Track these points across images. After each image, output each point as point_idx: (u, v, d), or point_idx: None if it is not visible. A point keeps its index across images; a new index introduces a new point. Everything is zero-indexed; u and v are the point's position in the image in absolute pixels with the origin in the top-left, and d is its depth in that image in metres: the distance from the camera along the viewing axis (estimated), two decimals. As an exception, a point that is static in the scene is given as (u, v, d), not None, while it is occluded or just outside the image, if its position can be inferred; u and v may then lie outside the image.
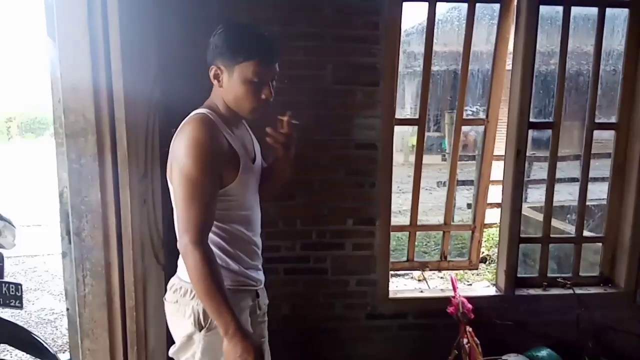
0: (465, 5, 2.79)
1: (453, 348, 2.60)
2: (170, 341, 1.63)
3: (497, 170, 3.03)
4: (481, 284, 4.33)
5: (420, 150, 2.97)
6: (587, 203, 2.98)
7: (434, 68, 2.94)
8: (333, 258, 2.69)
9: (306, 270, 2.68)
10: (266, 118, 1.58)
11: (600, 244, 2.99)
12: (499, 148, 3.00)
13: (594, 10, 2.75)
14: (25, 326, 2.69)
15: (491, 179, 3.21)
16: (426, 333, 2.76)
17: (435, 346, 2.63)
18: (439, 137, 8.53)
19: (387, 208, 2.68)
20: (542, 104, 2.98)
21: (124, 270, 1.81)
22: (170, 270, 1.71)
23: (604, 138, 3.05)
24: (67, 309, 1.91)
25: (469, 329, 2.59)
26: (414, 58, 3.79)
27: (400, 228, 3.19)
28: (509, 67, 2.85)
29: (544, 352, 2.63)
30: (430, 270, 3.37)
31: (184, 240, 1.43)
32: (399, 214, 4.13)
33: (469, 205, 4.33)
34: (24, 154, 16.47)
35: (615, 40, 2.86)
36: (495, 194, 3.44)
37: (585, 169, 2.89)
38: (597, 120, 2.85)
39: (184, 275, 1.51)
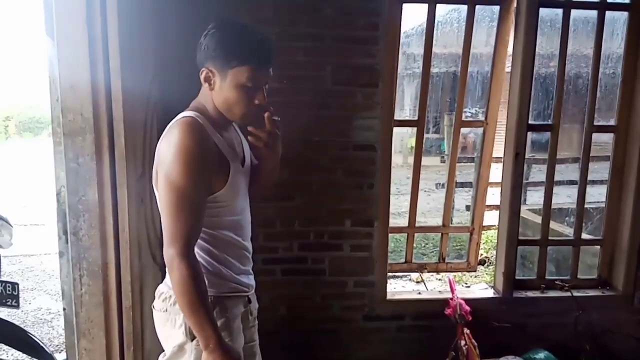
0: (464, 7, 2.79)
1: (450, 350, 2.60)
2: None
3: (497, 172, 3.03)
4: (479, 286, 4.32)
5: (419, 151, 2.97)
6: (586, 206, 2.98)
7: (434, 70, 2.94)
8: (331, 259, 2.69)
9: (304, 271, 2.68)
10: (258, 122, 1.53)
11: (599, 247, 2.99)
12: (498, 150, 3.00)
13: (593, 13, 2.76)
14: (22, 326, 2.68)
15: (490, 181, 3.21)
16: (424, 335, 2.76)
17: (433, 348, 2.63)
18: (438, 139, 8.54)
19: (385, 209, 2.68)
20: (541, 107, 2.98)
21: (121, 269, 1.81)
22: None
23: (603, 141, 3.06)
24: (64, 309, 1.90)
25: (466, 330, 2.58)
26: (414, 59, 3.78)
27: (399, 229, 3.19)
28: (508, 69, 2.85)
29: (541, 355, 2.63)
30: (429, 272, 3.37)
31: (169, 252, 1.39)
32: (398, 216, 4.12)
33: (467, 208, 4.33)
34: (22, 153, 16.44)
35: (615, 43, 2.86)
36: (494, 196, 3.44)
37: (584, 171, 2.89)
38: (596, 123, 2.85)
39: None
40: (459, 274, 4.73)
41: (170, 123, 1.48)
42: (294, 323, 2.69)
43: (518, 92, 2.66)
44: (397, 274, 4.50)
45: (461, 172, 5.68)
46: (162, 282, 1.60)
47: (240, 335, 1.59)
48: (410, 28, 4.56)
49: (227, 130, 1.58)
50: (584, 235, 3.08)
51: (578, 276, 2.95)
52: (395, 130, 2.67)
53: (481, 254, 4.89)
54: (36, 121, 24.52)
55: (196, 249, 1.44)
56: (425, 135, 2.96)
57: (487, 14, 2.98)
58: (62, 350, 3.29)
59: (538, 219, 3.12)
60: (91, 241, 1.75)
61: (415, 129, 2.89)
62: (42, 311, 4.24)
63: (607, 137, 2.93)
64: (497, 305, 2.81)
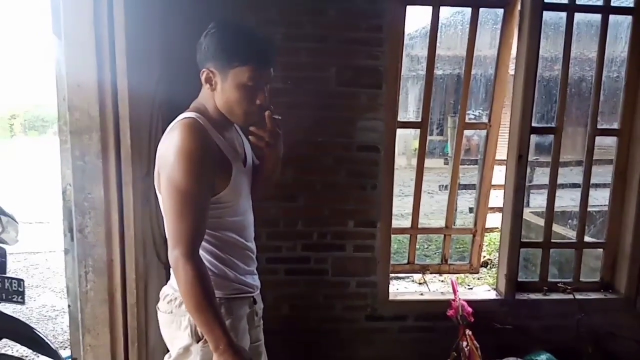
0: (469, 10, 2.81)
1: (452, 350, 2.61)
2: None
3: (500, 174, 3.04)
4: (482, 288, 4.34)
5: (422, 153, 2.98)
6: (589, 209, 2.97)
7: (437, 72, 2.95)
8: (334, 259, 2.70)
9: (307, 271, 2.69)
10: (259, 122, 1.53)
11: (601, 250, 2.99)
12: (502, 153, 3.00)
13: (597, 17, 2.76)
14: (27, 322, 2.70)
15: (493, 184, 3.22)
16: (426, 335, 2.77)
17: (434, 349, 2.63)
18: (441, 141, 8.53)
19: (388, 210, 2.69)
20: (544, 109, 2.99)
21: (126, 267, 1.83)
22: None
23: (606, 144, 3.06)
24: (69, 306, 1.92)
25: (468, 332, 2.59)
26: (418, 62, 3.80)
27: (401, 230, 3.20)
28: (511, 71, 2.86)
29: (543, 357, 2.63)
30: (431, 273, 3.37)
31: (174, 253, 1.38)
32: (401, 217, 4.13)
33: (471, 210, 4.34)
34: (27, 152, 16.52)
35: (619, 46, 2.87)
36: (497, 198, 3.44)
37: (587, 174, 2.89)
38: (599, 126, 2.86)
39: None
40: (462, 276, 4.73)
41: (171, 124, 1.47)
42: (297, 322, 2.70)
43: (521, 94, 2.66)
44: (399, 275, 4.50)
45: (465, 175, 5.70)
46: (166, 280, 1.60)
47: (246, 336, 1.60)
48: (415, 30, 4.59)
49: (228, 131, 1.57)
50: (587, 238, 3.08)
51: (580, 279, 2.96)
52: (399, 132, 2.68)
53: (484, 256, 4.89)
54: (41, 120, 24.65)
55: (201, 251, 1.44)
56: (429, 137, 2.97)
57: (491, 17, 2.99)
58: (66, 347, 3.31)
59: (541, 222, 3.12)
60: (97, 238, 1.77)
61: (418, 130, 2.90)
62: (47, 308, 4.27)
63: (611, 141, 2.94)
64: (499, 307, 2.81)
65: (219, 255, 1.53)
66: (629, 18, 2.75)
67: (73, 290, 1.87)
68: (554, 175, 2.87)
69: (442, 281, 4.60)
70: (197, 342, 1.47)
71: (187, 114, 1.48)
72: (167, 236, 1.44)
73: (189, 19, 2.29)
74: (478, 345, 2.57)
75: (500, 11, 2.84)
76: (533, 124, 2.72)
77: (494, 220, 4.59)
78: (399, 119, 2.68)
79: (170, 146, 1.40)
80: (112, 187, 1.77)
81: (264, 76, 1.46)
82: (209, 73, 1.46)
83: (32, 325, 2.55)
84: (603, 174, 3.21)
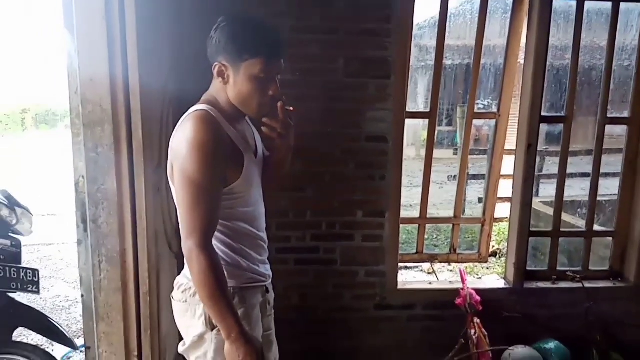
0: (478, -1, 2.79)
1: (460, 338, 2.63)
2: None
3: (509, 164, 3.03)
4: (491, 277, 4.34)
5: (430, 143, 2.98)
6: (598, 198, 2.97)
7: (447, 62, 2.96)
8: (342, 249, 2.72)
9: (316, 260, 2.72)
10: (272, 113, 1.54)
11: (611, 239, 2.99)
12: (511, 142, 3.00)
13: (608, 5, 2.74)
14: (42, 312, 2.75)
15: (503, 174, 3.22)
16: (434, 324, 2.79)
17: (443, 337, 2.66)
18: (451, 132, 8.49)
19: (397, 200, 2.70)
20: (554, 98, 2.98)
21: (139, 257, 1.86)
22: (182, 258, 1.75)
23: (616, 133, 3.05)
24: (82, 296, 1.96)
25: (476, 320, 2.61)
26: (427, 52, 3.79)
27: (410, 220, 3.21)
28: (521, 61, 2.84)
29: (551, 345, 2.65)
30: (440, 262, 3.39)
31: (188, 244, 1.41)
32: (410, 208, 4.13)
33: (480, 200, 4.33)
34: (39, 145, 16.65)
35: (630, 35, 2.85)
36: (507, 188, 3.44)
37: (597, 163, 2.88)
38: (609, 115, 2.84)
39: None
40: (471, 265, 4.75)
41: (183, 117, 1.49)
42: (306, 312, 2.73)
43: (531, 83, 2.65)
44: (408, 264, 4.51)
45: (474, 165, 5.68)
46: (178, 270, 1.64)
47: (259, 324, 1.62)
48: (423, 20, 4.57)
49: (240, 123, 1.58)
50: (596, 227, 3.08)
51: (590, 268, 2.96)
52: (409, 122, 2.68)
53: (493, 246, 4.88)
54: (52, 114, 24.78)
55: (214, 242, 1.46)
56: (438, 128, 2.98)
57: (500, 6, 2.98)
58: (79, 337, 3.37)
59: (551, 211, 3.12)
60: (110, 229, 1.80)
61: (427, 121, 2.91)
62: (60, 298, 4.33)
63: (621, 130, 2.93)
64: (508, 295, 2.83)
65: (231, 245, 1.56)
66: (640, 6, 2.73)
67: (86, 280, 1.91)
68: (563, 165, 2.87)
69: (450, 271, 4.61)
70: (212, 330, 1.49)
71: (198, 106, 1.49)
72: (180, 227, 1.46)
73: (198, 13, 2.31)
74: (486, 333, 2.59)
75: (510, 0, 2.82)
76: (543, 113, 2.71)
77: (503, 210, 4.58)
78: (407, 110, 2.68)
79: (183, 138, 1.42)
80: (124, 179, 1.79)
81: (275, 67, 1.48)
82: (221, 66, 1.47)
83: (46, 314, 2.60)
84: (613, 163, 3.19)
